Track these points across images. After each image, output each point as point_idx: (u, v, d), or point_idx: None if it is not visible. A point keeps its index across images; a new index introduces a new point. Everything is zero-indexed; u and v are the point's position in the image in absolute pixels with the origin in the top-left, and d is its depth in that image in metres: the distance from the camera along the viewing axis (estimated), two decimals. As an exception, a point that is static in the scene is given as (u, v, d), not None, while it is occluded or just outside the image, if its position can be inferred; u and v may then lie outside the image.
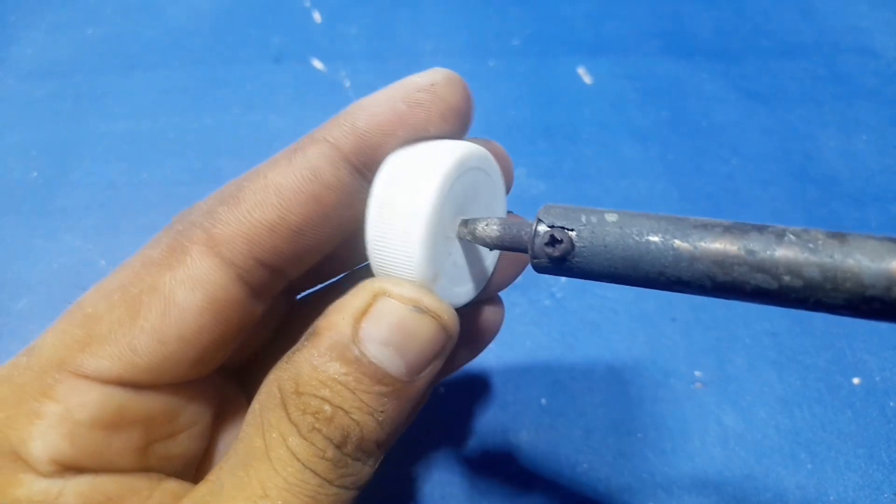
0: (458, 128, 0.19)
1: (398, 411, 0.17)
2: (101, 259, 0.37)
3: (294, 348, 0.17)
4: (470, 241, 0.19)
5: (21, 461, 0.17)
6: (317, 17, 0.51)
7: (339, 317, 0.17)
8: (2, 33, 0.50)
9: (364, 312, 0.17)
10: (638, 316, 0.34)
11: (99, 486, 0.18)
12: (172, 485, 0.19)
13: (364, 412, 0.16)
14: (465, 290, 0.20)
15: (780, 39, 0.49)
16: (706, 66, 0.47)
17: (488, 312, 0.23)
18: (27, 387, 0.17)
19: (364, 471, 0.17)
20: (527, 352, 0.33)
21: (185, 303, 0.18)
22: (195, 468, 0.21)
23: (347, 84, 0.46)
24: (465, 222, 0.18)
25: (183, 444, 0.20)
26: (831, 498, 0.29)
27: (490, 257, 0.21)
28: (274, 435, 0.16)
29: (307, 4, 0.51)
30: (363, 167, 0.19)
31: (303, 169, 0.18)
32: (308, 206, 0.18)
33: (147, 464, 0.19)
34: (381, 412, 0.17)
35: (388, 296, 0.17)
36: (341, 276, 0.25)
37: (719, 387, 0.32)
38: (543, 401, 0.32)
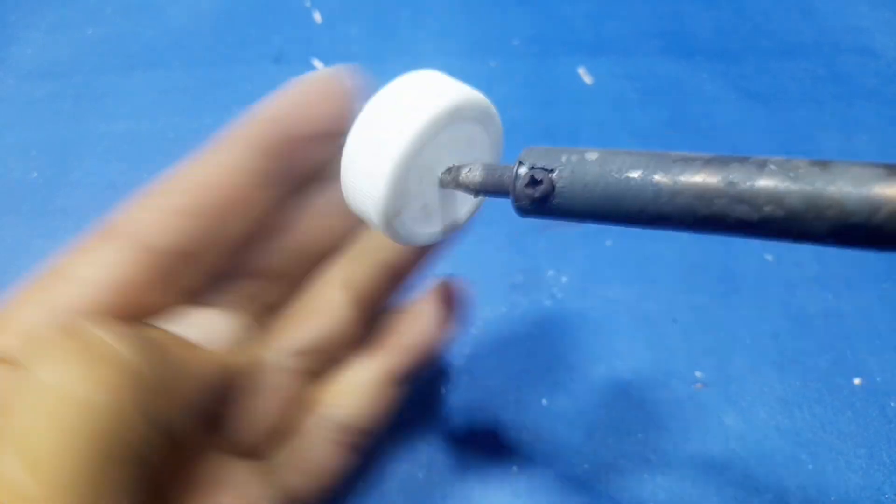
0: (339, 104, 0.20)
1: None
2: (101, 259, 0.37)
3: None
4: (452, 189, 0.19)
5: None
6: (317, 17, 0.51)
7: None
8: (2, 33, 0.50)
9: None
10: (639, 316, 0.34)
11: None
12: None
13: None
14: (428, 233, 0.20)
15: (780, 39, 0.49)
16: (706, 66, 0.47)
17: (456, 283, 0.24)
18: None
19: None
20: (527, 352, 0.33)
21: (87, 277, 0.19)
22: None
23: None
24: (448, 170, 0.19)
25: None
26: (832, 498, 0.28)
27: (467, 206, 0.21)
28: None
29: (307, 4, 0.51)
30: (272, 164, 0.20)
31: (207, 154, 0.21)
32: (215, 201, 0.20)
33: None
34: None
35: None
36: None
37: (720, 387, 0.32)
38: (544, 401, 0.32)
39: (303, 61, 0.47)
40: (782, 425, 0.31)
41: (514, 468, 0.30)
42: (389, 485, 0.29)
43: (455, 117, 0.18)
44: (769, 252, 0.37)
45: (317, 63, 0.47)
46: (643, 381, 0.32)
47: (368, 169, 0.17)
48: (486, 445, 0.30)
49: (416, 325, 0.24)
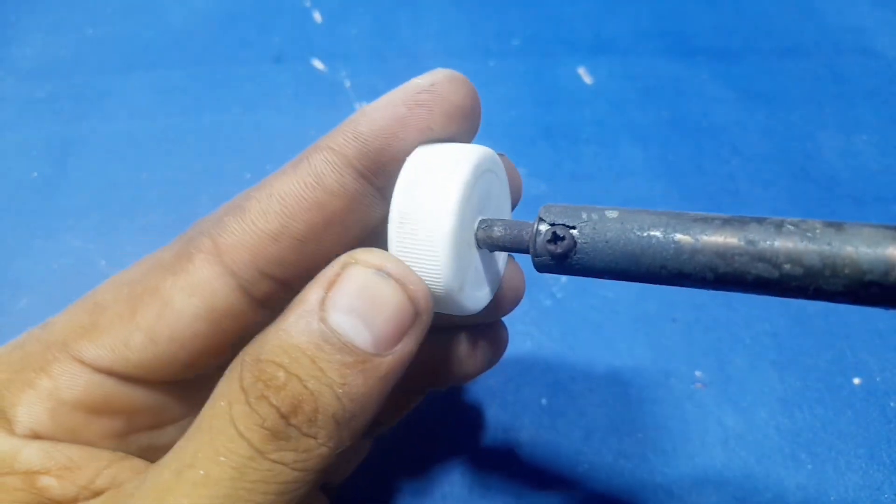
0: (464, 127, 0.19)
1: (363, 386, 0.16)
2: (101, 259, 0.37)
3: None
4: (487, 247, 0.19)
5: (5, 419, 0.18)
6: (317, 17, 0.51)
7: (308, 289, 0.17)
8: (2, 33, 0.50)
9: (332, 282, 0.16)
10: (638, 316, 0.34)
11: (62, 448, 0.18)
12: (136, 462, 0.19)
13: (321, 382, 0.16)
14: (483, 294, 0.20)
15: (780, 39, 0.49)
16: (706, 66, 0.47)
17: (501, 328, 0.24)
18: (32, 357, 0.18)
19: (316, 450, 0.16)
20: (527, 352, 0.33)
21: (181, 307, 0.18)
22: None
23: (347, 84, 0.46)
24: (481, 227, 0.18)
25: (170, 436, 0.20)
26: (832, 498, 0.28)
27: (501, 259, 0.22)
28: (222, 403, 0.16)
29: (307, 4, 0.51)
30: (368, 172, 0.18)
31: (306, 176, 0.18)
32: (311, 212, 0.18)
33: (128, 450, 0.19)
34: (342, 384, 0.16)
35: (356, 263, 0.17)
36: None
37: (720, 387, 0.32)
38: (544, 401, 0.32)
39: (303, 61, 0.47)
40: (782, 425, 0.31)
41: (514, 467, 0.30)
42: (390, 485, 0.29)
43: (478, 173, 0.18)
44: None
45: (317, 63, 0.47)
46: (643, 380, 0.32)
47: (424, 256, 0.17)
48: (487, 445, 0.30)
49: (455, 355, 0.23)
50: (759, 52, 0.48)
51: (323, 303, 0.16)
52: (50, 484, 0.17)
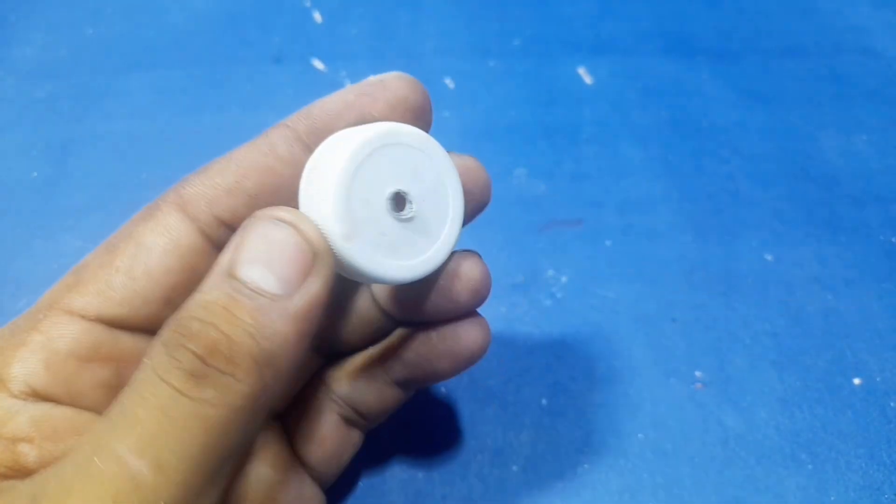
0: (407, 119, 0.21)
1: (276, 324, 0.17)
2: (100, 259, 0.37)
3: None
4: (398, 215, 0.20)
5: (1, 381, 0.19)
6: (317, 17, 0.51)
7: (221, 254, 0.18)
8: (2, 33, 0.50)
9: (239, 244, 0.18)
10: (638, 316, 0.34)
11: (52, 415, 0.19)
12: None
13: (235, 325, 0.17)
14: (396, 266, 0.20)
15: (780, 39, 0.49)
16: (707, 66, 0.47)
17: (465, 329, 0.24)
18: (21, 322, 0.20)
19: (235, 385, 0.17)
20: (527, 352, 0.33)
21: (152, 244, 0.21)
22: None
23: (348, 84, 0.46)
24: (393, 196, 0.20)
25: None
26: (832, 498, 0.28)
27: (443, 245, 0.22)
28: (145, 360, 0.17)
29: (307, 4, 0.51)
30: (314, 146, 0.21)
31: (261, 145, 0.22)
32: (262, 174, 0.21)
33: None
34: (255, 325, 0.17)
35: (253, 217, 0.19)
36: None
37: (719, 387, 0.32)
38: (544, 401, 0.32)
39: (303, 61, 0.47)
40: (782, 425, 0.31)
41: (515, 468, 0.30)
42: (389, 485, 0.29)
43: (384, 139, 0.20)
44: (769, 252, 0.37)
45: (317, 63, 0.47)
46: (643, 380, 0.32)
47: (318, 202, 0.19)
48: (487, 445, 0.30)
49: (441, 346, 0.24)
50: (759, 52, 0.48)
51: (233, 262, 0.18)
52: (26, 451, 0.18)
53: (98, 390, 0.20)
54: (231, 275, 0.17)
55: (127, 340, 0.21)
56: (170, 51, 0.48)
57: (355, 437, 0.26)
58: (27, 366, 0.19)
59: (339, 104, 0.22)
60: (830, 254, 0.37)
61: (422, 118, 0.22)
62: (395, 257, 0.20)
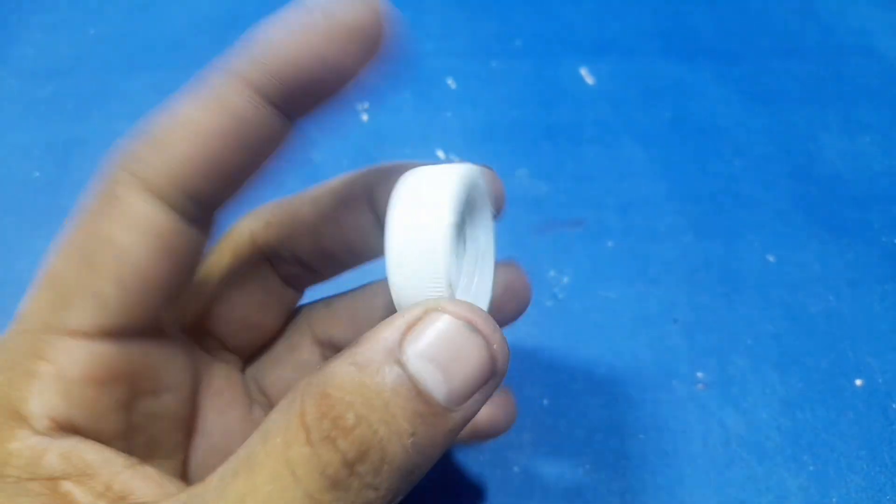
0: (366, 49, 0.18)
1: (429, 442, 0.16)
2: (102, 259, 0.37)
3: (330, 359, 0.16)
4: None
5: (21, 418, 0.17)
6: (319, 17, 0.51)
7: (386, 328, 0.16)
8: (3, 33, 0.50)
9: (413, 325, 0.16)
10: (640, 317, 0.34)
11: (80, 451, 0.18)
12: (147, 470, 0.19)
13: (391, 429, 0.15)
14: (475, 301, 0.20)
15: (782, 40, 0.49)
16: (708, 66, 0.47)
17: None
18: (21, 351, 0.18)
19: (372, 496, 0.15)
20: (528, 352, 0.33)
21: (129, 243, 0.18)
22: (184, 437, 0.22)
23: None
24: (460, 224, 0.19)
25: (167, 404, 0.21)
26: (833, 500, 0.28)
27: (488, 275, 0.21)
28: (277, 440, 0.15)
29: (309, 5, 0.51)
30: (276, 99, 0.18)
31: (212, 103, 0.19)
32: (222, 139, 0.18)
33: (133, 421, 0.19)
34: (412, 435, 0.15)
35: (442, 310, 0.16)
36: (342, 293, 0.25)
37: (721, 388, 0.32)
38: (545, 402, 0.32)
39: (304, 61, 0.47)
40: (783, 426, 0.31)
41: (515, 468, 0.30)
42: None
43: (469, 184, 0.18)
44: (771, 253, 0.37)
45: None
46: (644, 381, 0.32)
47: (420, 255, 0.17)
48: (487, 446, 0.30)
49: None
50: (761, 53, 0.48)
51: (402, 345, 0.16)
52: (71, 490, 0.17)
53: (117, 412, 0.19)
54: (400, 362, 0.15)
55: (135, 350, 0.19)
56: (172, 51, 0.48)
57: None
58: (44, 399, 0.18)
59: (288, 45, 0.18)
60: (832, 255, 0.37)
61: (377, 46, 0.19)
62: (468, 295, 0.20)
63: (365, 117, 0.44)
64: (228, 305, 0.23)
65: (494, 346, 0.16)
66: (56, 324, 0.18)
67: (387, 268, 0.18)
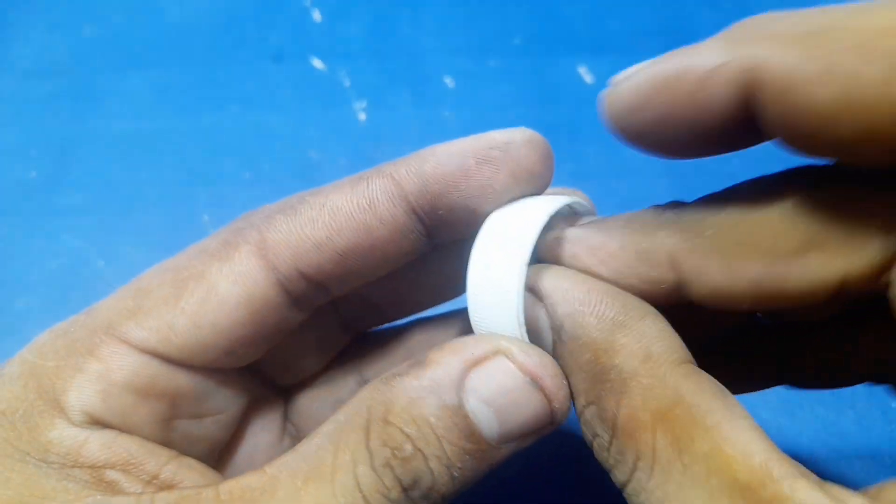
0: (530, 189, 0.19)
1: (473, 473, 0.17)
2: (99, 259, 0.37)
3: (395, 371, 0.17)
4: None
5: (59, 408, 0.18)
6: (316, 16, 0.50)
7: (452, 356, 0.17)
8: (1, 33, 0.49)
9: (478, 363, 0.17)
10: (639, 316, 0.34)
11: (122, 443, 0.19)
12: (191, 461, 0.20)
13: (442, 463, 0.16)
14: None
15: (781, 38, 0.49)
16: (707, 65, 0.47)
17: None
18: (78, 342, 0.19)
19: None
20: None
21: (225, 293, 0.19)
22: (216, 458, 0.22)
23: (347, 83, 0.46)
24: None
25: (208, 428, 0.21)
26: (834, 499, 0.28)
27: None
28: (346, 457, 0.16)
29: (307, 3, 0.51)
30: (420, 210, 0.19)
31: (361, 198, 0.19)
32: (357, 233, 0.19)
33: (168, 437, 0.20)
34: (459, 468, 0.16)
35: (509, 357, 0.17)
36: (403, 321, 0.25)
37: (721, 388, 0.32)
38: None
39: (302, 60, 0.47)
40: (784, 425, 0.31)
41: (517, 468, 0.30)
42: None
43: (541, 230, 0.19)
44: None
45: (316, 62, 0.47)
46: (644, 381, 0.32)
47: (494, 292, 0.18)
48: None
49: None
50: (760, 52, 0.48)
51: (463, 381, 0.16)
52: (117, 478, 0.18)
53: (153, 425, 0.19)
54: (459, 399, 0.16)
55: (182, 378, 0.20)
56: (169, 50, 0.48)
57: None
58: (83, 394, 0.18)
59: (457, 171, 0.18)
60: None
61: (544, 184, 0.20)
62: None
63: (362, 116, 0.44)
64: (286, 350, 0.23)
65: (555, 404, 0.17)
66: (120, 329, 0.19)
67: (467, 300, 0.18)
